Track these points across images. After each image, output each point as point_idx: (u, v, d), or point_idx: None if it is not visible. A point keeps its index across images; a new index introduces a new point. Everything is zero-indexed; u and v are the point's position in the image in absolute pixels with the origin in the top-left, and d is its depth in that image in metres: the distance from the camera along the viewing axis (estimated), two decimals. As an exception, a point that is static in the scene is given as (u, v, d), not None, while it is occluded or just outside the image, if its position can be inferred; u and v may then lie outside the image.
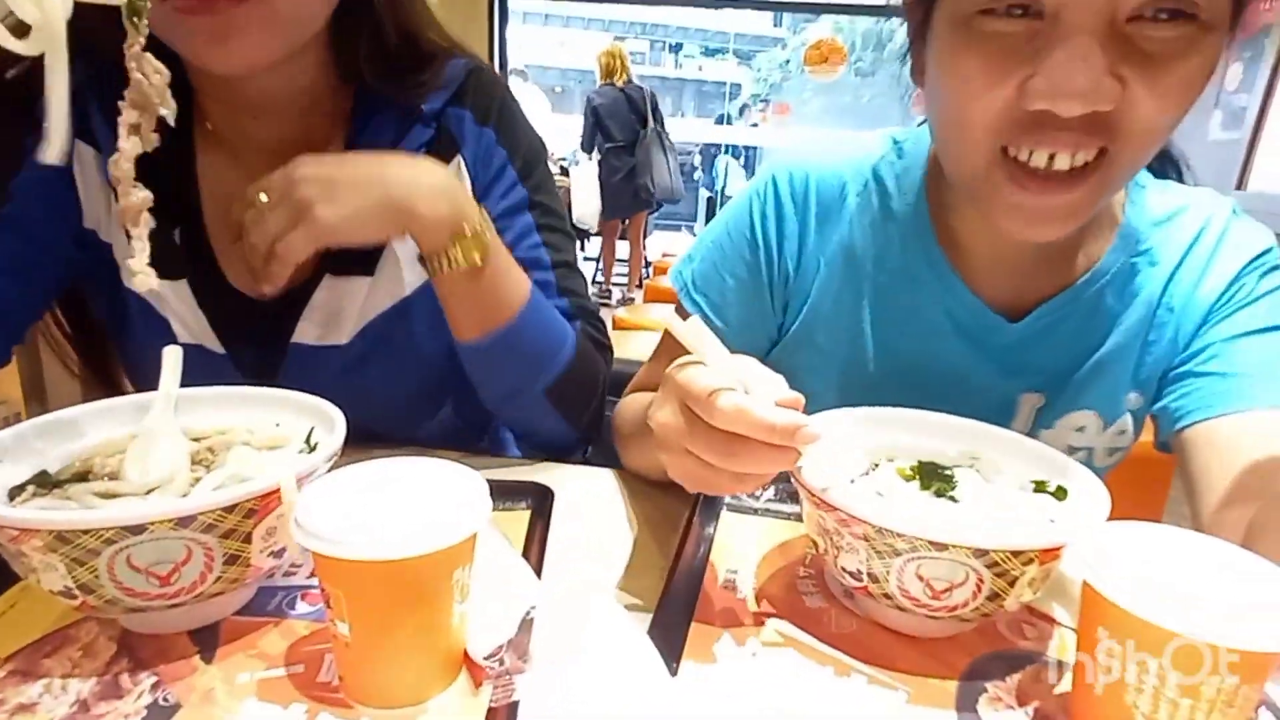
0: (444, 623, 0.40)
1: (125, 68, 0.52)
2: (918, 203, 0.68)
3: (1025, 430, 0.67)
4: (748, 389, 0.43)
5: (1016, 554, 0.41)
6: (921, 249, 0.67)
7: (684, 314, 0.72)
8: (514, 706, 0.39)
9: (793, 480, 0.48)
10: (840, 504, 0.44)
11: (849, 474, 0.53)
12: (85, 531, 0.38)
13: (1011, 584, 0.42)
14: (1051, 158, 0.52)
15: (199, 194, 0.69)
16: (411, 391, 0.77)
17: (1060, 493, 0.50)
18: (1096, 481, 0.48)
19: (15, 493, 0.45)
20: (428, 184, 0.62)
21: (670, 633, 0.46)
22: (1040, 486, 0.51)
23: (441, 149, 0.71)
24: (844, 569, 0.47)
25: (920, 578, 0.43)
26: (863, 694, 0.43)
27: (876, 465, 0.55)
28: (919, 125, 0.71)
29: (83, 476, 0.48)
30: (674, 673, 0.43)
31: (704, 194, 8.09)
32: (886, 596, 0.45)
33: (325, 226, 0.58)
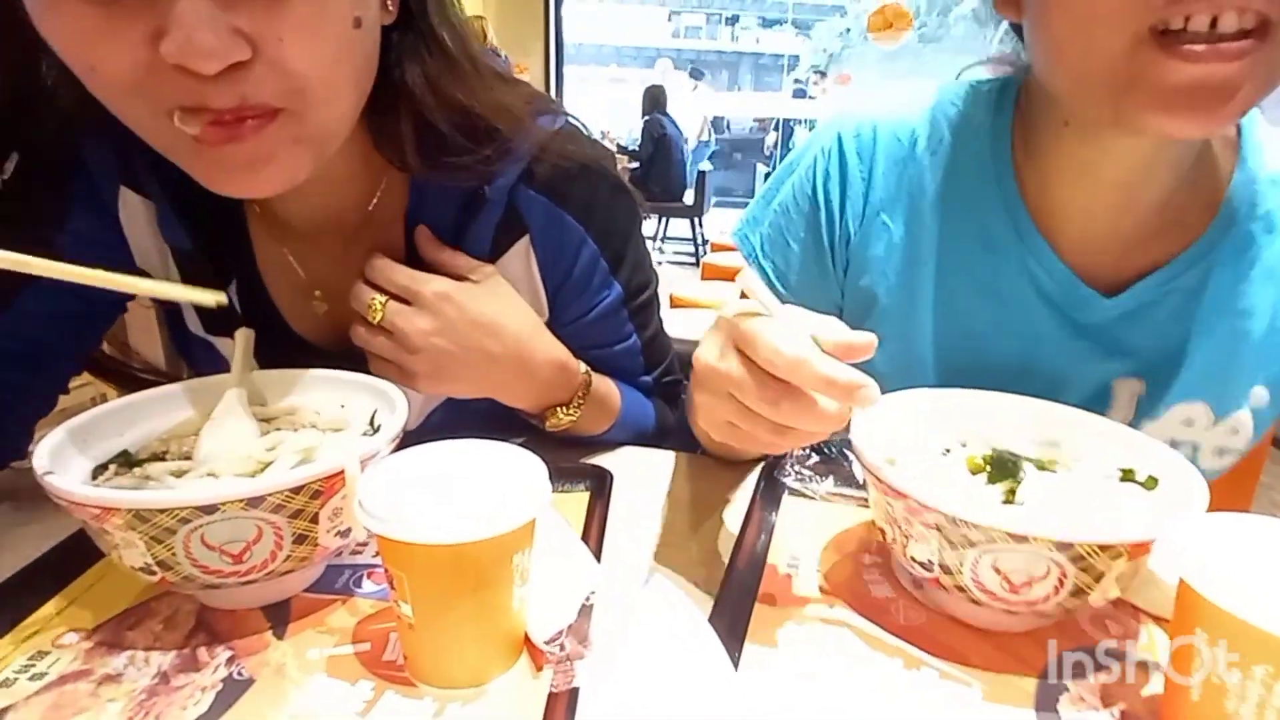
0: (504, 606, 0.40)
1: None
2: (1000, 156, 0.61)
3: (1128, 418, 0.61)
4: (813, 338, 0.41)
5: (1104, 548, 0.39)
6: (1004, 209, 0.61)
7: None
8: (574, 693, 0.39)
9: (859, 465, 0.47)
10: (910, 491, 0.42)
11: (919, 459, 0.51)
12: (162, 511, 0.39)
13: (1097, 579, 0.40)
14: (1214, 22, 0.44)
15: (252, 248, 0.65)
16: (480, 431, 0.73)
17: (1151, 482, 0.47)
18: (1191, 469, 0.45)
19: (99, 471, 0.47)
20: (539, 376, 0.64)
21: (732, 621, 0.46)
22: (1128, 475, 0.48)
23: (510, 230, 0.64)
24: (913, 559, 0.45)
25: (997, 570, 0.41)
26: (934, 689, 0.42)
27: (949, 450, 0.52)
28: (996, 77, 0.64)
29: (160, 457, 0.49)
30: (736, 662, 0.43)
31: (761, 169, 7.95)
32: (959, 589, 0.43)
33: (421, 390, 0.60)
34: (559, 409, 0.67)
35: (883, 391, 0.65)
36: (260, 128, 0.46)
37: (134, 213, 0.62)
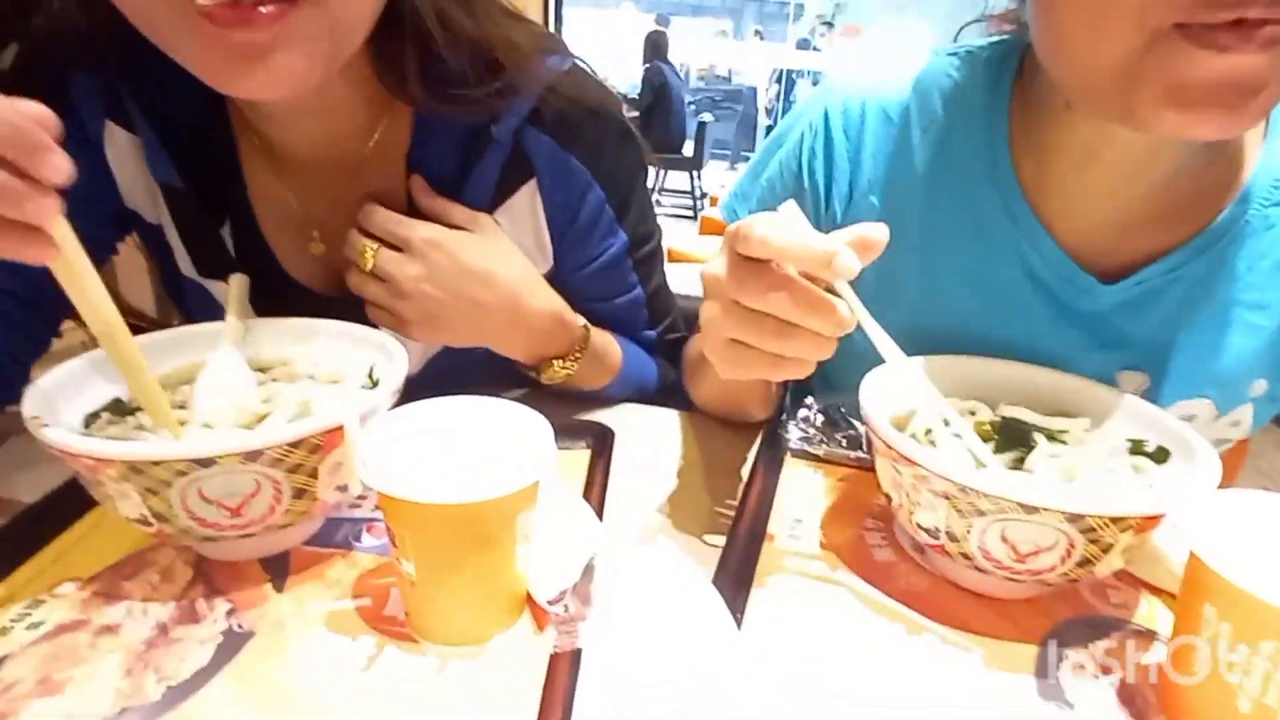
0: (507, 565, 0.40)
1: (159, 53, 0.48)
2: (995, 134, 0.57)
3: None
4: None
5: (1115, 520, 0.38)
6: (997, 191, 0.57)
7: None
8: (577, 653, 0.39)
9: (865, 428, 0.46)
10: (920, 459, 0.41)
11: (926, 425, 0.50)
12: (157, 463, 0.38)
13: (1105, 551, 0.40)
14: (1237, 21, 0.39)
15: (246, 189, 0.63)
16: (482, 380, 0.70)
17: (1161, 454, 0.46)
18: (1203, 443, 0.45)
19: (91, 420, 0.46)
20: (533, 327, 0.63)
21: (734, 582, 0.45)
22: (1138, 447, 0.48)
23: (515, 172, 0.62)
24: (919, 525, 0.44)
25: (1005, 540, 0.41)
26: (935, 653, 0.42)
27: (949, 422, 0.51)
28: (996, 40, 0.61)
29: (154, 405, 0.48)
30: (739, 623, 0.43)
31: (764, 122, 7.79)
32: (965, 556, 0.43)
33: (415, 338, 0.60)
34: (555, 361, 0.66)
35: (873, 360, 0.62)
36: (280, 15, 0.44)
37: (121, 150, 0.60)
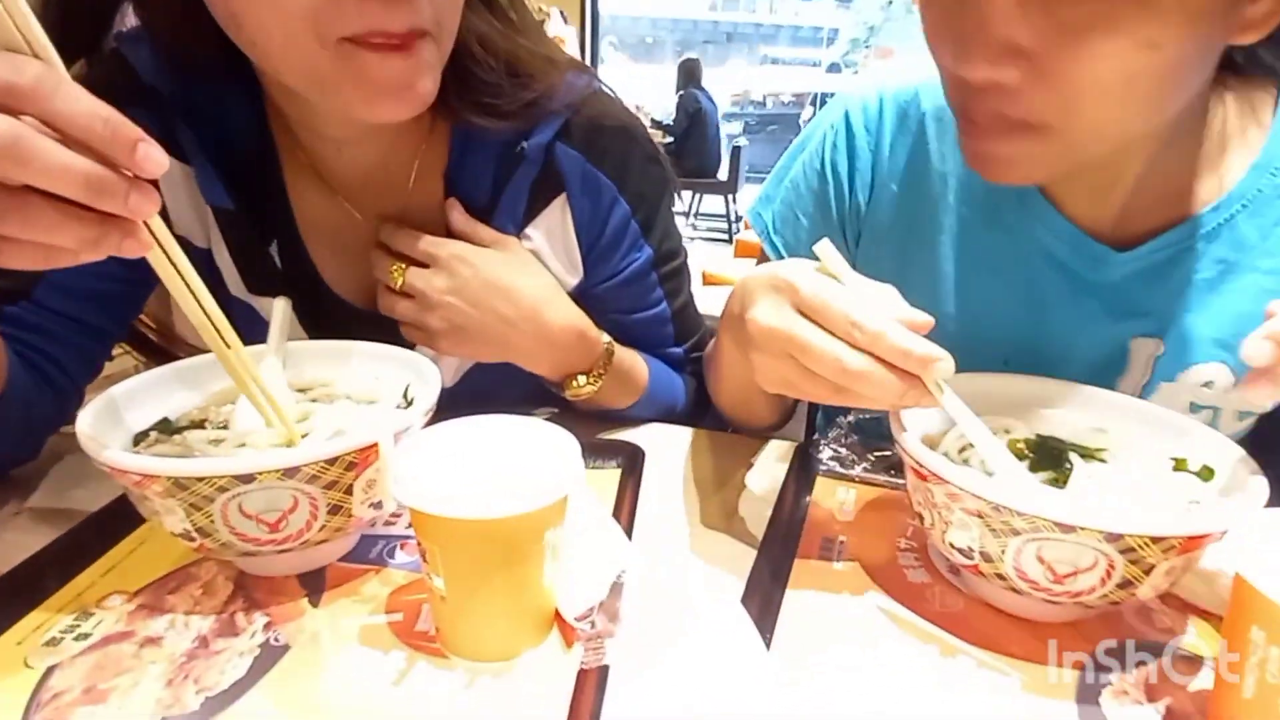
0: (536, 581, 0.40)
1: (213, 85, 0.54)
2: None
3: (1143, 381, 0.60)
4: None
5: (1156, 540, 0.37)
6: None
7: (765, 257, 0.71)
8: (604, 670, 0.39)
9: (897, 449, 0.46)
10: (951, 477, 0.41)
11: (958, 444, 0.49)
12: (200, 479, 0.39)
13: (1147, 572, 0.39)
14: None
15: (291, 210, 0.66)
16: (516, 397, 0.74)
17: (1206, 473, 0.45)
18: (1249, 461, 0.43)
19: (140, 438, 0.48)
20: (556, 342, 0.64)
21: (764, 602, 0.45)
22: (1180, 465, 0.46)
23: (546, 188, 0.65)
24: (952, 545, 0.44)
25: (1041, 560, 0.40)
26: (971, 677, 0.41)
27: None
28: None
29: (199, 425, 0.50)
30: (768, 643, 0.42)
31: (795, 141, 7.79)
32: (1000, 577, 0.42)
33: (444, 351, 0.62)
34: (579, 376, 0.67)
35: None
36: (420, 48, 0.51)
37: (173, 180, 0.63)
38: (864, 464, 0.61)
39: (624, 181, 0.67)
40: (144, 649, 0.41)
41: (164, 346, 0.74)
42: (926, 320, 0.42)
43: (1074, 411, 0.52)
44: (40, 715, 0.37)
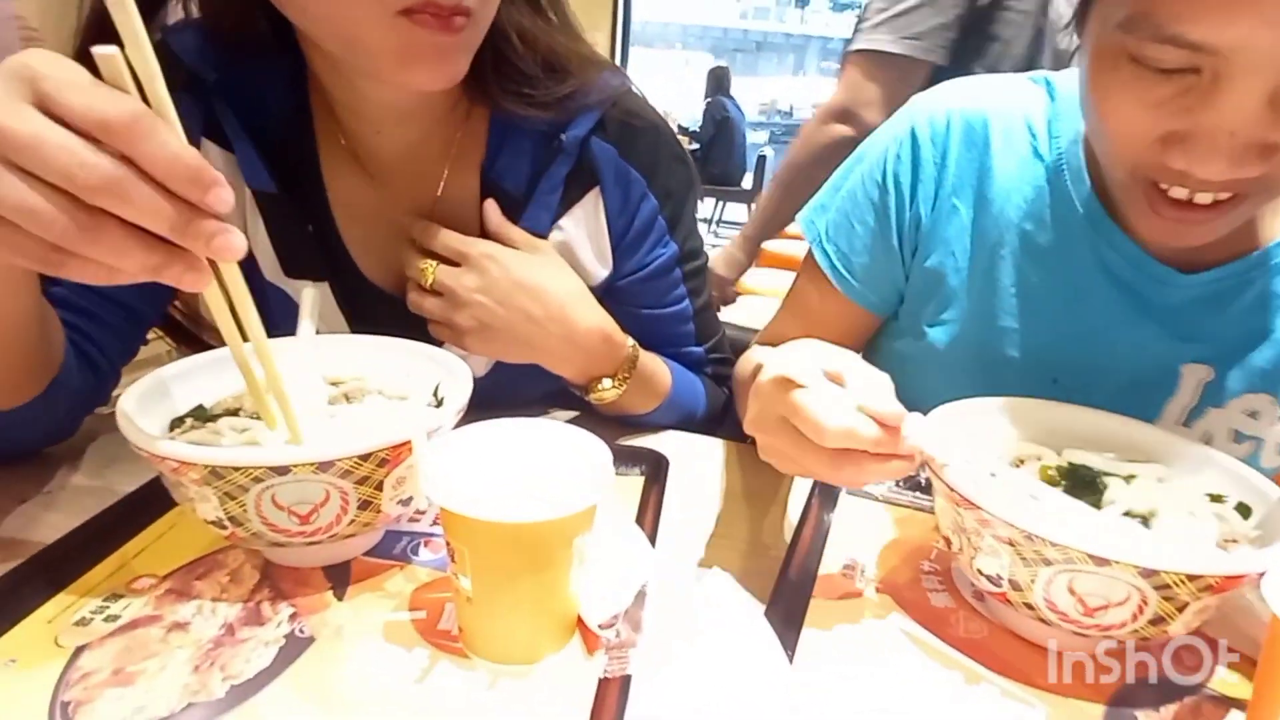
0: (562, 587, 0.40)
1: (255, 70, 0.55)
2: (1071, 147, 0.61)
3: (1190, 405, 0.60)
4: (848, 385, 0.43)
5: (1192, 578, 0.37)
6: (1075, 194, 0.61)
7: (814, 264, 0.71)
8: (626, 680, 0.39)
9: (928, 472, 0.45)
10: (984, 503, 0.40)
11: (989, 469, 0.49)
12: (237, 469, 0.40)
13: (1180, 609, 0.38)
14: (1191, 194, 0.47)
15: (327, 195, 0.67)
16: (549, 389, 0.75)
17: (1243, 510, 0.44)
18: (1289, 501, 0.43)
19: (175, 424, 0.48)
20: (581, 344, 0.65)
21: (785, 619, 0.45)
22: (1217, 500, 0.46)
23: (581, 180, 0.67)
24: (980, 571, 0.43)
25: (1072, 591, 0.39)
26: (994, 707, 0.40)
27: (1022, 461, 0.50)
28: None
29: (233, 413, 0.50)
30: (791, 657, 0.42)
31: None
32: (1028, 606, 0.41)
33: (471, 349, 0.62)
34: (604, 380, 0.67)
35: (946, 371, 0.68)
36: (463, 24, 0.53)
37: (214, 165, 0.64)
38: (890, 483, 0.61)
39: (653, 177, 0.69)
40: (171, 634, 0.42)
41: (194, 331, 0.75)
42: (897, 415, 0.42)
43: (1110, 440, 0.51)
44: (69, 694, 0.37)
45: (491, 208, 0.65)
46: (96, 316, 0.62)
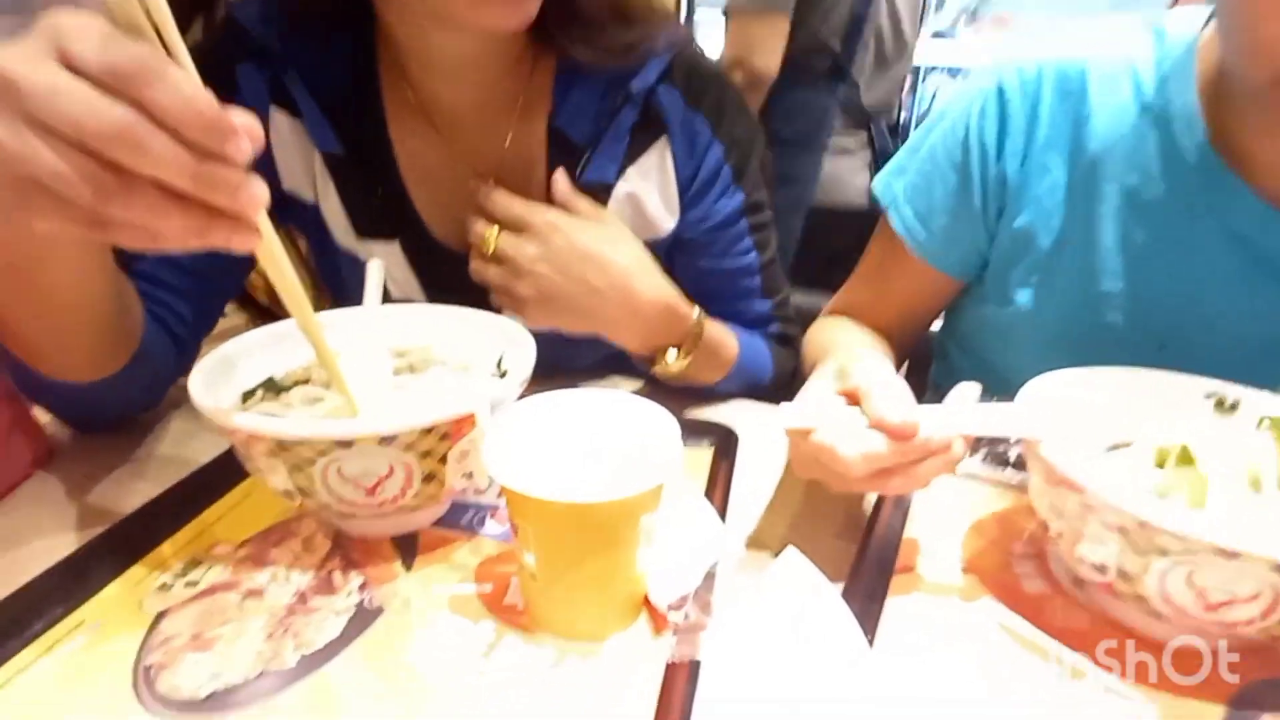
0: (628, 567, 0.39)
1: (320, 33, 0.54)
2: (1181, 93, 0.56)
3: None
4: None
5: (1339, 574, 0.32)
6: (1190, 144, 0.56)
7: (888, 229, 0.69)
8: (695, 665, 0.37)
9: (1024, 447, 0.42)
10: (1089, 486, 0.37)
11: (1092, 448, 0.45)
12: (301, 441, 0.40)
13: (1321, 607, 0.34)
14: None
15: (394, 154, 0.67)
16: (610, 353, 0.73)
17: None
18: None
19: (247, 396, 0.49)
20: (644, 315, 0.63)
21: (866, 600, 0.42)
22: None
23: (647, 130, 0.66)
24: (1083, 558, 0.40)
25: (1192, 585, 0.35)
26: (1098, 704, 0.37)
27: (1127, 441, 0.46)
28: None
29: (304, 383, 0.51)
30: (871, 642, 0.40)
31: (934, 113, 7.39)
32: (1138, 598, 0.38)
33: (532, 319, 0.61)
34: (668, 351, 0.66)
35: (1040, 338, 0.64)
36: None
37: (283, 134, 0.65)
38: (976, 459, 0.57)
39: (719, 124, 0.67)
40: (247, 600, 0.43)
41: (268, 306, 0.77)
42: (903, 427, 0.40)
43: (1216, 418, 0.46)
44: (151, 658, 0.38)
45: (561, 176, 0.64)
46: (178, 289, 0.63)
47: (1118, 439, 0.46)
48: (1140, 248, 0.59)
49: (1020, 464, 0.55)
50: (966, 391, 0.45)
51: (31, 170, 0.32)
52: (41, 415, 0.59)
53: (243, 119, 0.34)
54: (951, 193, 0.65)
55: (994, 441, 0.57)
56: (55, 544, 0.47)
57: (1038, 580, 0.45)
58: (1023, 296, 0.64)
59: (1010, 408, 0.43)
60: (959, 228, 0.66)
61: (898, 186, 0.68)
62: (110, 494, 0.53)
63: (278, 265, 0.40)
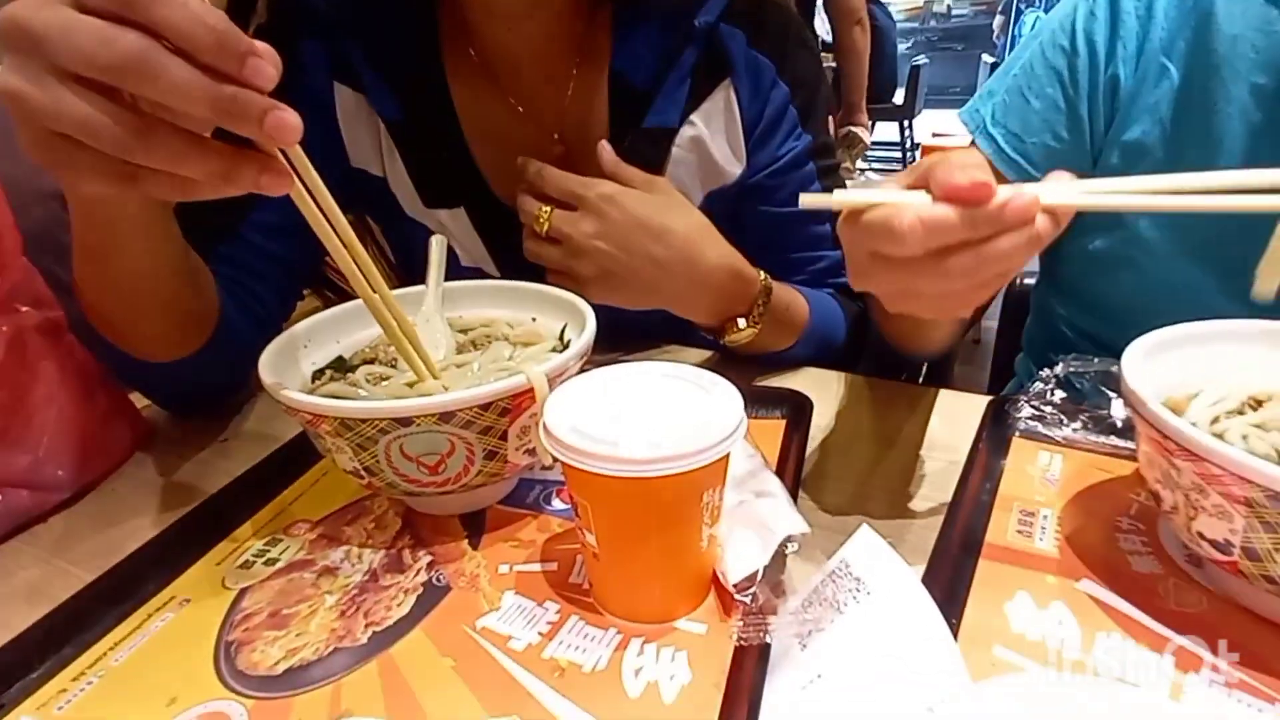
0: (692, 544, 0.37)
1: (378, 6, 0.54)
2: None
3: None
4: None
5: None
6: None
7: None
8: (765, 649, 0.35)
9: (1130, 411, 0.38)
10: (1214, 454, 0.33)
11: (1211, 411, 0.40)
12: (363, 420, 0.40)
13: None
14: None
15: (458, 118, 0.67)
16: (678, 321, 0.73)
17: None
18: None
19: (317, 375, 0.50)
20: (710, 284, 0.61)
21: (949, 585, 0.39)
22: None
23: (711, 71, 0.64)
24: (1201, 535, 0.36)
25: (1335, 566, 0.31)
26: (1220, 700, 0.33)
27: (1260, 403, 0.41)
28: None
29: (370, 362, 0.51)
30: (955, 630, 0.37)
31: (986, 59, 7.02)
32: (1268, 580, 0.33)
33: (593, 298, 0.57)
34: (738, 320, 0.63)
35: (1160, 269, 0.58)
36: None
37: (348, 108, 0.66)
38: (1074, 424, 0.52)
39: (782, 63, 0.66)
40: (321, 578, 0.43)
41: (344, 286, 0.78)
42: (971, 186, 0.33)
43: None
44: (233, 635, 0.40)
45: (605, 149, 0.62)
46: (259, 271, 0.65)
47: (1252, 391, 0.41)
48: (1268, 149, 0.53)
49: (1126, 430, 0.50)
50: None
51: (59, 122, 0.32)
52: (140, 400, 0.62)
53: (263, 46, 0.33)
54: (1052, 107, 0.60)
55: (1096, 405, 0.52)
56: (149, 522, 0.49)
57: (1149, 559, 0.41)
58: (1141, 222, 0.58)
59: (1118, 182, 0.36)
60: (1061, 146, 0.60)
61: (986, 110, 0.64)
62: (198, 473, 0.55)
63: (318, 218, 0.39)
